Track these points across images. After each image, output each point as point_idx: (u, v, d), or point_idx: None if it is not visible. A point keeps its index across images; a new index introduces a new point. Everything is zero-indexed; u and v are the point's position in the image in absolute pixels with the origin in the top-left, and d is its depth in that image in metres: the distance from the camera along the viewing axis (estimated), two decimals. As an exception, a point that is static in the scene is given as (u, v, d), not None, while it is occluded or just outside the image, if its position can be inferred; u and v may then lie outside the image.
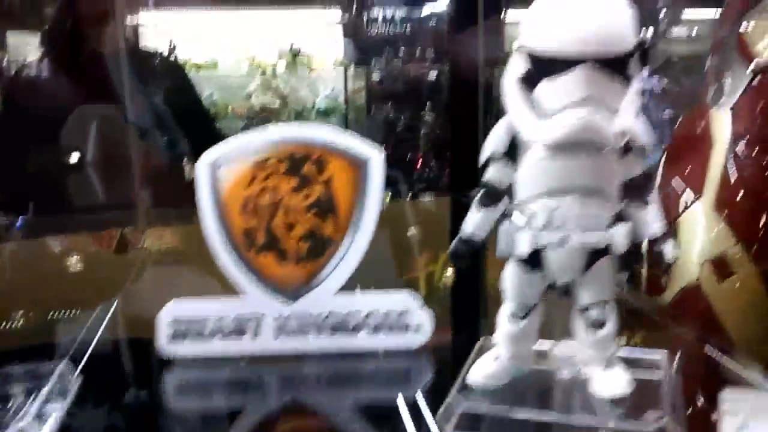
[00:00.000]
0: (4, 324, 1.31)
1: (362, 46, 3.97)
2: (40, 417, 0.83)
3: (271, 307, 1.04)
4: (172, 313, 1.04)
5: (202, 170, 1.02)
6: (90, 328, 1.15)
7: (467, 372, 0.89)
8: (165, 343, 1.04)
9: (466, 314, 1.37)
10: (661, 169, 1.65)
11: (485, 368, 0.88)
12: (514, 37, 0.80)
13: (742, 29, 1.49)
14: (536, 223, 0.79)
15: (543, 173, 0.78)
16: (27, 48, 2.64)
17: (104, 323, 1.17)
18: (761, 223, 1.44)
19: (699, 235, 1.47)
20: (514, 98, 0.77)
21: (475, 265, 0.85)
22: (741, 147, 1.46)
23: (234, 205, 1.03)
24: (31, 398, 0.86)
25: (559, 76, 0.73)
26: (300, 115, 3.81)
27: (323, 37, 3.92)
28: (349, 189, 1.04)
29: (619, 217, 0.81)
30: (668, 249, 0.81)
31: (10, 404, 0.86)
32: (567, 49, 0.72)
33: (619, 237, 0.79)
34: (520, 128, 0.78)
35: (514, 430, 0.83)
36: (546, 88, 0.75)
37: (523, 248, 0.80)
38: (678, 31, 3.58)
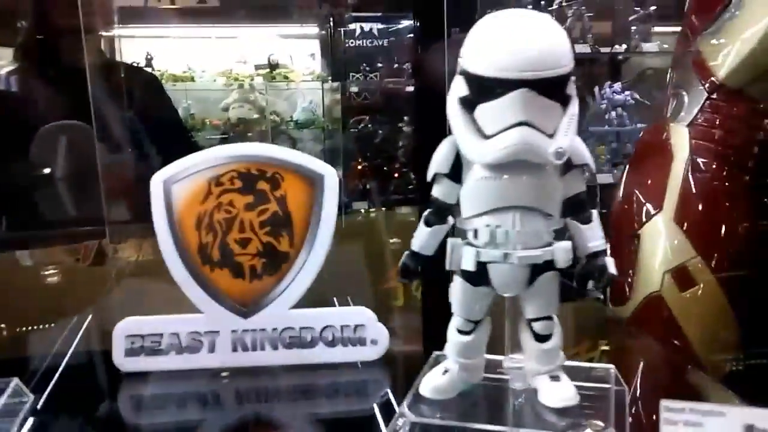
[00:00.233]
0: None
1: (340, 59, 3.99)
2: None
3: (227, 322, 1.06)
4: (127, 329, 1.05)
5: (156, 187, 1.03)
6: (62, 341, 1.17)
7: (419, 384, 0.91)
8: (120, 359, 1.04)
9: (438, 324, 1.39)
10: (623, 182, 1.68)
11: (435, 381, 0.90)
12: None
13: (698, 48, 1.52)
14: (480, 240, 0.81)
15: (485, 191, 0.80)
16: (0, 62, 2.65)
17: (62, 338, 1.18)
18: (720, 235, 1.47)
19: (660, 246, 1.50)
20: (456, 119, 0.79)
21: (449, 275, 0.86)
22: (699, 162, 1.49)
23: (188, 221, 1.04)
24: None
25: (497, 99, 0.75)
26: (277, 128, 3.81)
27: (301, 50, 3.94)
28: (304, 205, 1.05)
29: (561, 234, 0.83)
30: (608, 265, 0.83)
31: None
32: (504, 73, 0.74)
33: (560, 253, 0.81)
34: (461, 148, 0.80)
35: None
36: (485, 110, 0.77)
37: (468, 264, 0.82)
38: (651, 46, 3.63)
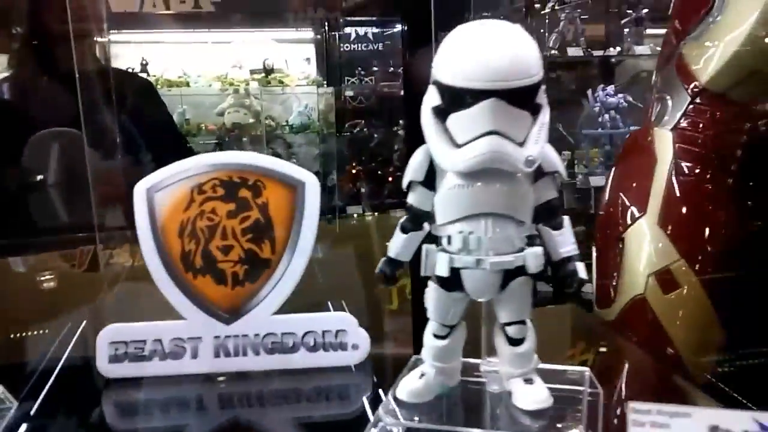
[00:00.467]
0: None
1: (335, 63, 4.01)
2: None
3: (209, 329, 1.07)
4: (110, 335, 1.06)
5: (139, 195, 1.05)
6: (56, 347, 1.18)
7: (396, 388, 0.92)
8: (104, 365, 1.06)
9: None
10: (609, 185, 1.69)
11: (411, 385, 0.91)
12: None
13: (681, 52, 1.54)
14: (453, 246, 0.83)
15: (457, 199, 0.82)
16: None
17: (55, 344, 1.19)
18: (703, 238, 1.48)
19: (644, 249, 1.51)
20: (429, 128, 0.81)
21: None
22: (683, 165, 1.50)
23: (171, 228, 1.06)
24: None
25: (468, 109, 0.77)
26: (273, 132, 3.83)
27: (296, 54, 3.95)
28: (285, 213, 1.07)
29: (533, 240, 0.84)
30: (579, 270, 0.84)
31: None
32: (473, 84, 0.76)
33: (531, 258, 0.83)
34: (434, 157, 0.82)
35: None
36: (456, 119, 0.78)
37: (442, 270, 0.84)
38: (643, 49, 3.64)
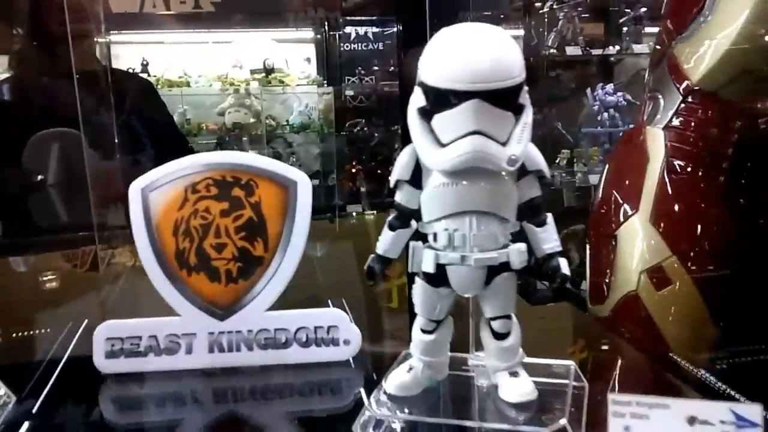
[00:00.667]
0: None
1: (335, 62, 4.02)
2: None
3: (203, 325, 1.09)
4: (106, 332, 1.09)
5: (134, 194, 1.07)
6: (57, 346, 1.20)
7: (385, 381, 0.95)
8: (101, 361, 1.08)
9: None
10: (602, 183, 1.71)
11: (400, 378, 0.93)
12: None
13: (672, 52, 1.55)
14: (439, 243, 0.85)
15: (442, 197, 0.84)
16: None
17: (57, 343, 1.21)
18: (695, 235, 1.50)
19: (637, 246, 1.53)
20: (415, 128, 0.83)
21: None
22: (675, 164, 1.52)
23: (166, 227, 1.08)
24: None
25: (452, 109, 0.79)
26: (273, 132, 3.85)
27: (296, 54, 3.97)
28: (278, 211, 1.09)
29: (518, 237, 0.86)
30: (562, 265, 0.86)
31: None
32: (457, 85, 0.78)
33: (514, 255, 0.85)
34: (420, 156, 0.84)
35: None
36: (440, 119, 0.81)
37: (428, 266, 0.86)
38: (642, 47, 3.65)
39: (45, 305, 1.55)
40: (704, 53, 1.47)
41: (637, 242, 1.53)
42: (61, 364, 1.14)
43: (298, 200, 1.09)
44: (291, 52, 3.95)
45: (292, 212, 1.09)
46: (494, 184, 0.83)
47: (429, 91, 0.81)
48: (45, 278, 1.70)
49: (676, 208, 1.52)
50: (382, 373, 0.97)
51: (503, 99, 0.79)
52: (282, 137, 3.89)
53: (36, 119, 2.13)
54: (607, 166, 1.78)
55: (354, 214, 3.46)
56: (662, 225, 1.50)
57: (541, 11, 3.72)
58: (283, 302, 1.14)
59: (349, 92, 3.98)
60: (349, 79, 4.01)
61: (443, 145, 0.80)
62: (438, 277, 0.87)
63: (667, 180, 1.52)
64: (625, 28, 3.73)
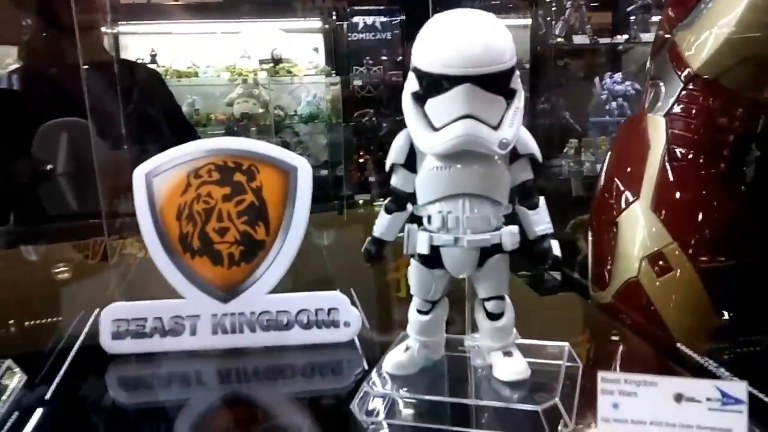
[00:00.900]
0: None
1: (343, 52, 4.03)
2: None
3: (207, 307, 1.12)
4: (113, 313, 1.11)
5: (138, 180, 1.09)
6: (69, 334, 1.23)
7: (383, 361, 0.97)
8: (107, 342, 1.11)
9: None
10: (604, 170, 1.72)
11: (397, 358, 0.96)
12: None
13: (673, 39, 1.56)
14: (433, 225, 0.87)
15: (436, 180, 0.86)
16: (5, 60, 2.72)
17: (69, 331, 1.24)
18: (696, 222, 1.51)
19: (638, 233, 1.54)
20: (409, 113, 0.85)
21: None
22: (676, 151, 1.53)
23: (170, 212, 1.11)
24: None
25: (444, 94, 0.81)
26: (282, 122, 3.86)
27: (304, 44, 3.98)
28: (279, 196, 1.11)
29: (511, 219, 0.88)
30: (553, 247, 0.88)
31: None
32: (448, 70, 0.80)
33: (507, 236, 0.87)
34: (414, 140, 0.86)
35: (421, 412, 0.91)
36: (433, 104, 0.83)
37: (422, 248, 0.88)
38: (650, 36, 3.63)
39: (57, 295, 1.57)
40: (705, 40, 1.48)
41: (638, 229, 1.54)
42: (73, 352, 1.16)
43: (299, 185, 1.11)
44: (299, 42, 3.95)
45: (293, 197, 1.11)
46: (487, 167, 0.85)
47: (422, 76, 0.83)
48: (57, 269, 1.72)
49: (677, 195, 1.52)
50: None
51: (494, 83, 0.81)
52: (290, 127, 3.90)
53: (45, 109, 2.15)
54: (609, 153, 1.79)
55: (361, 202, 3.47)
56: (663, 212, 1.51)
57: (548, 0, 3.72)
58: (291, 290, 1.16)
59: (357, 82, 3.98)
60: (357, 69, 4.01)
61: (436, 129, 0.82)
62: (432, 259, 0.89)
63: (668, 167, 1.53)
64: (633, 17, 3.72)
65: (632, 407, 0.77)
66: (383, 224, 0.93)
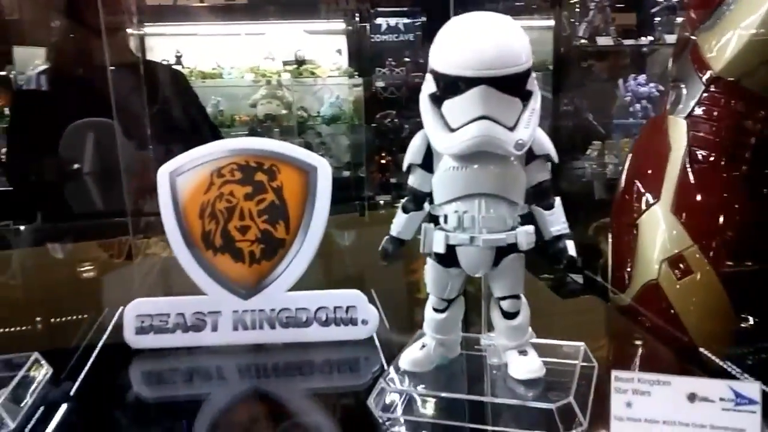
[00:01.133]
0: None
1: (366, 54, 4.04)
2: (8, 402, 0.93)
3: (228, 304, 1.14)
4: (137, 309, 1.14)
5: (162, 178, 1.12)
6: (94, 332, 1.26)
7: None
8: (131, 336, 1.14)
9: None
10: (624, 172, 1.72)
11: (413, 355, 0.97)
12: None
13: (695, 41, 1.55)
14: (449, 225, 0.88)
15: (452, 180, 0.87)
16: (34, 61, 2.77)
17: (94, 329, 1.27)
18: (717, 225, 1.50)
19: (658, 235, 1.54)
20: (426, 114, 0.87)
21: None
22: (697, 153, 1.52)
23: (193, 210, 1.13)
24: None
25: (460, 95, 0.82)
26: (305, 123, 3.89)
27: (327, 46, 4.00)
28: (299, 195, 1.13)
29: (527, 219, 0.89)
30: (568, 247, 0.89)
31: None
32: (465, 72, 0.81)
33: (522, 236, 0.88)
34: (431, 141, 0.87)
35: (436, 409, 0.92)
36: (450, 105, 0.84)
37: (438, 247, 0.89)
38: (674, 37, 3.60)
39: (83, 293, 1.61)
40: (727, 42, 1.48)
41: (659, 231, 1.53)
42: (98, 349, 1.19)
43: (319, 185, 1.13)
44: (322, 43, 3.97)
45: (313, 196, 1.13)
46: (503, 167, 0.86)
47: (439, 78, 0.84)
48: (83, 268, 1.76)
49: (698, 197, 1.52)
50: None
51: (510, 85, 0.82)
52: (313, 129, 3.92)
53: (72, 109, 2.19)
54: (630, 155, 1.79)
55: (381, 203, 3.48)
56: (684, 214, 1.51)
57: (572, 1, 3.70)
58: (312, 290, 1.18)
59: (380, 83, 3.99)
60: (379, 71, 4.02)
61: (453, 130, 0.84)
62: (448, 258, 0.90)
63: (689, 169, 1.53)
64: (657, 18, 3.69)
65: (645, 406, 0.78)
66: (400, 223, 0.95)
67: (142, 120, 2.02)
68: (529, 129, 0.83)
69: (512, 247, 0.88)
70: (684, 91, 1.58)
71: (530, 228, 0.88)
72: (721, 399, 0.76)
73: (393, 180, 3.76)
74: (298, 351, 1.15)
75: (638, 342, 1.33)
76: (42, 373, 1.04)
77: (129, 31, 2.49)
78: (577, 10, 3.71)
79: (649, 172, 1.62)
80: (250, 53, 3.82)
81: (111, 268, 1.79)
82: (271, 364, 1.16)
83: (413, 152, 0.91)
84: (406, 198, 0.94)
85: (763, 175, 1.50)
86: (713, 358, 1.25)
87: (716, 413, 0.75)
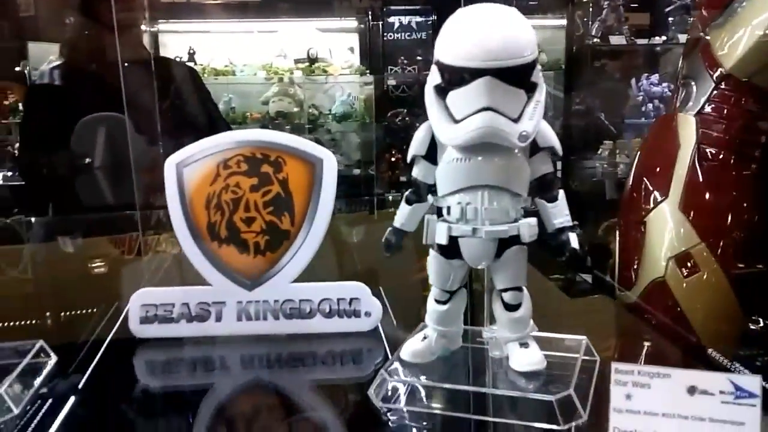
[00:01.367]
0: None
1: (378, 52, 4.05)
2: (13, 389, 0.94)
3: (233, 294, 1.15)
4: (142, 299, 1.15)
5: (169, 170, 1.13)
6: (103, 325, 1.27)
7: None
8: (136, 326, 1.15)
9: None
10: (633, 169, 1.72)
11: (414, 346, 0.97)
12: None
13: (706, 39, 1.55)
14: (452, 216, 0.89)
15: (455, 171, 0.88)
16: (48, 57, 2.79)
17: (103, 323, 1.28)
18: (725, 223, 1.50)
19: (666, 233, 1.53)
20: (431, 105, 0.87)
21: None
22: (706, 151, 1.52)
23: (199, 201, 1.14)
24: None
25: (465, 86, 0.82)
26: (316, 121, 3.90)
27: (339, 43, 4.00)
28: (304, 187, 1.14)
29: (529, 211, 0.89)
30: (571, 240, 0.89)
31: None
32: (469, 63, 0.81)
33: (525, 228, 0.88)
34: (435, 132, 0.87)
35: (437, 399, 0.93)
36: (454, 96, 0.84)
37: (441, 238, 0.90)
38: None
39: (93, 288, 1.62)
40: (738, 40, 1.48)
41: (666, 229, 1.53)
42: (107, 341, 1.20)
43: (324, 177, 1.13)
44: (335, 41, 3.98)
45: (318, 189, 1.13)
46: (506, 159, 0.86)
47: (444, 70, 0.84)
48: (93, 264, 1.77)
49: (707, 195, 1.52)
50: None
51: (515, 77, 0.82)
52: (324, 126, 3.93)
53: (85, 104, 2.20)
54: (638, 153, 1.78)
55: (390, 199, 3.48)
56: (692, 212, 1.51)
57: (585, 0, 3.70)
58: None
59: (392, 82, 3.99)
60: (391, 69, 4.02)
61: (457, 122, 0.84)
62: (451, 249, 0.90)
63: (698, 167, 1.52)
64: (671, 18, 3.67)
65: (645, 399, 0.78)
66: (403, 215, 0.95)
67: (154, 116, 2.03)
68: (534, 121, 0.83)
69: (515, 239, 0.88)
70: (694, 89, 1.58)
71: (533, 220, 0.88)
72: (721, 392, 0.75)
73: (403, 178, 3.76)
74: (302, 342, 1.16)
75: (645, 341, 1.33)
76: (47, 360, 1.05)
77: (143, 27, 2.51)
78: (591, 9, 3.70)
79: (658, 169, 1.61)
80: (263, 51, 3.84)
81: (121, 264, 1.80)
82: (274, 355, 1.16)
83: (417, 144, 0.91)
84: (409, 190, 0.95)
85: (773, 173, 1.50)
86: (720, 357, 1.24)
87: (716, 406, 0.75)
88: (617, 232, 1.71)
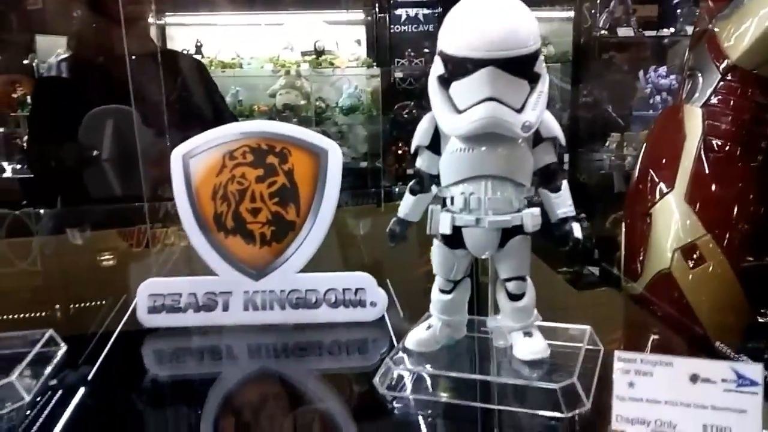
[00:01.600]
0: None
1: (385, 45, 4.04)
2: (23, 377, 0.95)
3: (239, 284, 1.16)
4: (149, 288, 1.16)
5: (175, 161, 1.14)
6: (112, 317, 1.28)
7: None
8: (144, 315, 1.16)
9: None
10: (639, 161, 1.71)
11: (418, 335, 0.98)
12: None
13: (712, 30, 1.54)
14: (455, 206, 0.89)
15: (459, 162, 0.88)
16: (56, 50, 2.81)
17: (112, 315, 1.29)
18: (731, 214, 1.49)
19: (671, 225, 1.53)
20: (434, 96, 0.88)
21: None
22: (712, 142, 1.52)
23: (205, 192, 1.15)
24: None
25: (468, 77, 0.83)
26: (323, 114, 3.90)
27: (346, 36, 4.00)
28: (309, 178, 1.15)
29: (532, 201, 0.90)
30: (574, 229, 0.89)
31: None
32: (472, 53, 0.82)
33: (528, 218, 0.88)
34: (438, 122, 0.88)
35: (441, 388, 0.94)
36: (457, 87, 0.85)
37: (445, 228, 0.90)
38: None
39: (102, 281, 1.63)
40: (745, 31, 1.47)
41: (672, 220, 1.53)
42: (116, 333, 1.21)
43: (329, 168, 1.14)
44: (342, 33, 3.98)
45: (323, 179, 1.14)
46: (510, 149, 0.87)
47: (447, 60, 0.85)
48: (102, 257, 1.79)
49: (713, 187, 1.51)
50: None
51: (518, 67, 0.82)
52: (331, 119, 3.93)
53: (92, 97, 2.21)
54: (644, 144, 1.78)
55: (396, 190, 3.49)
56: (698, 204, 1.50)
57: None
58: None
59: (399, 74, 3.99)
60: (398, 62, 4.02)
61: (460, 112, 0.84)
62: (454, 239, 0.91)
63: (704, 158, 1.52)
64: (679, 10, 3.65)
65: (648, 387, 0.79)
66: (407, 205, 0.96)
67: (161, 108, 2.04)
68: (537, 111, 0.84)
69: (518, 229, 0.89)
70: (700, 80, 1.57)
71: (536, 210, 0.89)
72: (723, 380, 0.76)
73: (410, 171, 3.75)
74: (308, 332, 1.17)
75: (652, 333, 1.33)
76: (57, 349, 1.06)
77: (150, 20, 2.51)
78: (598, 1, 3.69)
79: (664, 161, 1.61)
80: (270, 43, 3.83)
81: (130, 257, 1.81)
82: (281, 345, 1.17)
83: (421, 134, 0.92)
84: (413, 180, 0.95)
85: (779, 164, 1.49)
86: (726, 349, 1.24)
87: (718, 394, 0.76)
88: (623, 224, 1.71)
